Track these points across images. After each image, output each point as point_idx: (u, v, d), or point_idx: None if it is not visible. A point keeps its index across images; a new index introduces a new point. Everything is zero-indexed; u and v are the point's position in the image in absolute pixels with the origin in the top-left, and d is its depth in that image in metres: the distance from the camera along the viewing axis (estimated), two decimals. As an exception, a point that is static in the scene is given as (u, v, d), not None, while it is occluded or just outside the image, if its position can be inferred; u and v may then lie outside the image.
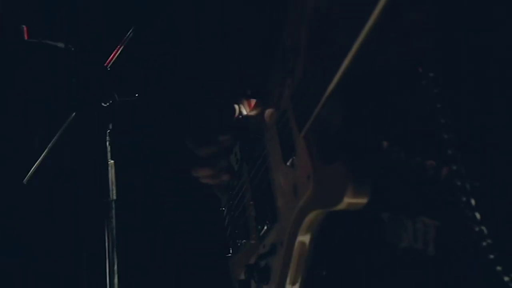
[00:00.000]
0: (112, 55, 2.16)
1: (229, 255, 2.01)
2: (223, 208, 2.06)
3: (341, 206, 1.45)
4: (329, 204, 1.49)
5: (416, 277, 1.53)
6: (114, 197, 2.16)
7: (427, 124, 1.46)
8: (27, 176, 2.25)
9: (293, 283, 1.66)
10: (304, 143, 1.58)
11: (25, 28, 2.15)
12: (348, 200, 1.44)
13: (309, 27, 1.59)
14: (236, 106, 1.90)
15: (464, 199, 1.42)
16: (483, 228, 1.42)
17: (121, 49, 2.16)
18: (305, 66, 1.59)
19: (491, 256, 1.42)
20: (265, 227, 1.77)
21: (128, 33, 2.15)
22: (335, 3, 1.45)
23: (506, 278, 1.42)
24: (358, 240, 1.63)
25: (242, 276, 1.88)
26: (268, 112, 1.75)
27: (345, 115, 1.54)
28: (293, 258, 1.64)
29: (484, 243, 1.42)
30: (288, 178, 1.65)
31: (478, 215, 1.42)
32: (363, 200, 1.44)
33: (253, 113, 1.88)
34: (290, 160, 1.64)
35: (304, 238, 1.61)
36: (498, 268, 1.42)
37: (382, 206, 1.53)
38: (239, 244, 1.94)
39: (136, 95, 2.21)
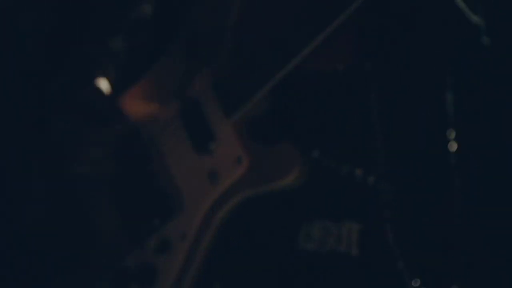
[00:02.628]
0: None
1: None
2: None
3: (285, 181, 1.53)
4: (273, 179, 1.54)
5: (341, 278, 1.59)
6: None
7: (360, 134, 1.59)
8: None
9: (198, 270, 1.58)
10: (231, 128, 1.60)
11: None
12: (293, 176, 1.53)
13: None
14: None
15: (388, 204, 1.55)
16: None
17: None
18: (229, 58, 1.65)
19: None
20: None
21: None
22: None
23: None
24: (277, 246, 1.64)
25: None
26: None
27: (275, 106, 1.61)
28: (202, 245, 1.57)
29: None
30: (199, 165, 1.63)
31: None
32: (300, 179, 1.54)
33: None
34: (208, 147, 1.62)
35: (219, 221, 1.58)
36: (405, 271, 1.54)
37: (311, 213, 1.59)
38: None
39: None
